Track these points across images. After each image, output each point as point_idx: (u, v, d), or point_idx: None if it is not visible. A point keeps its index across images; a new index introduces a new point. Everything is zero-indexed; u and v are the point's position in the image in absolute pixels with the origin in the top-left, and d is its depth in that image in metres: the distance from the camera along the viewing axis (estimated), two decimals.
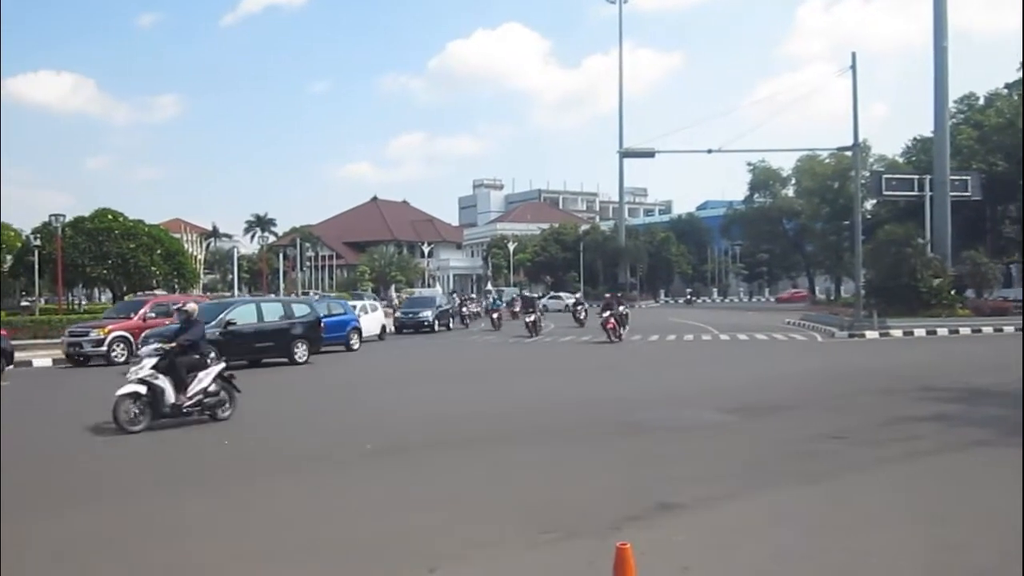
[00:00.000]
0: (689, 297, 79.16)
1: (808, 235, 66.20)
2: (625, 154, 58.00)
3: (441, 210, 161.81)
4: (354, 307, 31.61)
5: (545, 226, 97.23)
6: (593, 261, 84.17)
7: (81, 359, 22.94)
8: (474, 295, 68.48)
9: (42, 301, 44.94)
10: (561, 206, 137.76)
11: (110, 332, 22.89)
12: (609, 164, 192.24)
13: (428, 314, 36.68)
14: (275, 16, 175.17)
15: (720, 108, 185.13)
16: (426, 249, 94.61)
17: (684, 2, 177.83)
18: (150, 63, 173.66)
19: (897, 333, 28.71)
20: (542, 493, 7.57)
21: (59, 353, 23.71)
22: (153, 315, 24.03)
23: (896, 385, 15.02)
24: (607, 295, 32.77)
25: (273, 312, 22.59)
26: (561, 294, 66.30)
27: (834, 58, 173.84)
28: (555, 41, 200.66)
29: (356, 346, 27.15)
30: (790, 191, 67.58)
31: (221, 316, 20.77)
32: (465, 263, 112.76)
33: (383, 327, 33.10)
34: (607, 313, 27.44)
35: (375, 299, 42.12)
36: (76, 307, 45.14)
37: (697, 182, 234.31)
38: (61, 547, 6.17)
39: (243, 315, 21.58)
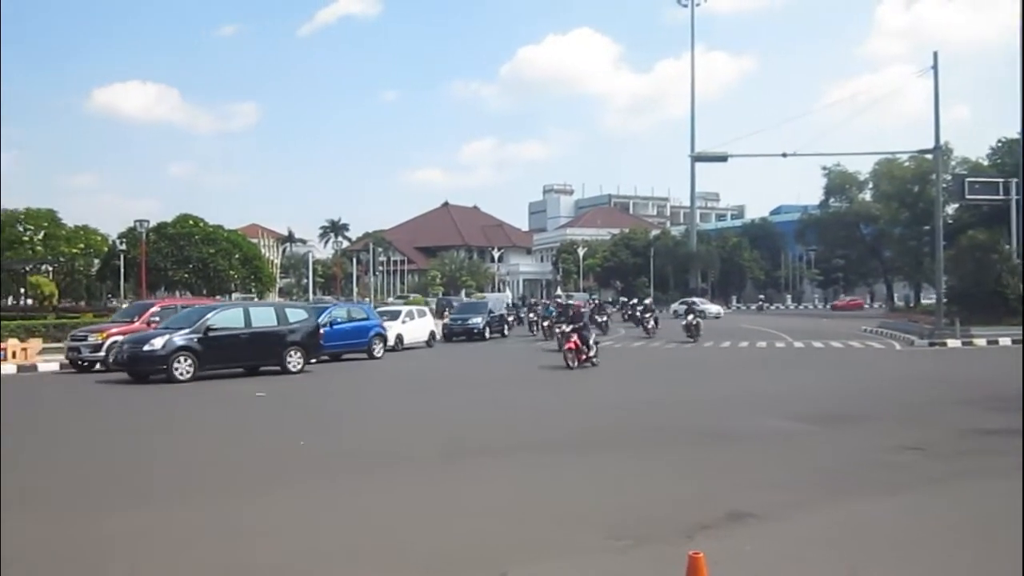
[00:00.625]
0: (761, 303, 77.88)
1: (886, 240, 64.48)
2: (697, 158, 57.41)
3: (511, 215, 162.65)
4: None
5: (615, 231, 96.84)
6: (664, 266, 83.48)
7: (83, 364, 21.78)
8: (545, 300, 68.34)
9: (126, 303, 46.49)
10: (631, 211, 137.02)
11: (108, 336, 21.55)
12: (680, 168, 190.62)
13: (478, 320, 34.44)
14: (349, 26, 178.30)
15: (795, 111, 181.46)
16: (496, 254, 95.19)
17: (759, 3, 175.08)
18: (230, 73, 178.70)
19: (981, 342, 27.74)
20: (611, 500, 7.55)
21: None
22: (158, 319, 22.25)
23: (977, 396, 14.58)
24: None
25: (263, 317, 21.04)
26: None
27: (914, 58, 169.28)
28: (626, 45, 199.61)
29: (379, 354, 25.62)
30: (867, 195, 65.88)
31: (200, 321, 19.36)
32: (535, 268, 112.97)
33: (431, 333, 31.75)
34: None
35: (448, 302, 42.01)
36: None
37: (771, 186, 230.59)
38: (121, 546, 6.39)
39: (227, 320, 20.08)
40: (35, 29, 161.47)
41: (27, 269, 43.12)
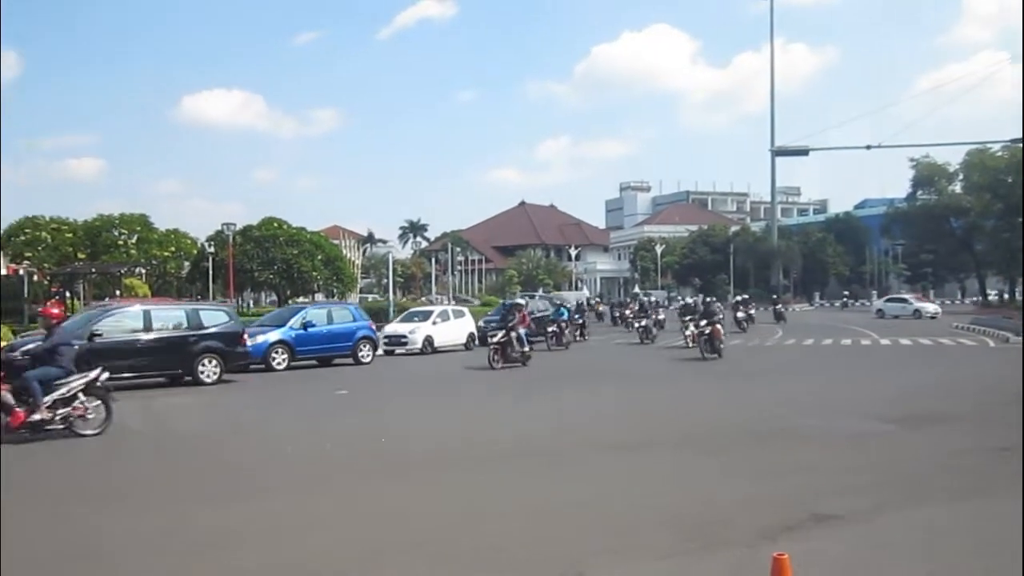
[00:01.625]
0: (845, 300, 75.89)
1: (978, 233, 62.11)
2: (777, 152, 56.60)
3: (588, 213, 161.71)
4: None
5: (693, 228, 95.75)
6: (744, 263, 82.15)
7: None
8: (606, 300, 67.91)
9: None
10: (710, 207, 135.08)
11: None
12: (760, 163, 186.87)
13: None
14: (427, 28, 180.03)
15: (879, 103, 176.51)
16: (573, 252, 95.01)
17: None
18: (312, 78, 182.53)
19: None
20: (690, 500, 7.55)
21: None
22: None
23: None
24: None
25: (167, 321, 18.70)
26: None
27: (1005, 44, 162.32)
28: (704, 41, 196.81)
29: (367, 359, 23.77)
30: (957, 187, 63.66)
31: (86, 326, 17.13)
32: (612, 266, 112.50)
33: (470, 336, 29.39)
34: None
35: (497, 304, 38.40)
36: (245, 310, 47.95)
37: (854, 180, 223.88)
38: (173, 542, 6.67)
39: (120, 324, 17.87)
40: (128, 41, 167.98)
41: (122, 272, 44.81)
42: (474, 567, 5.83)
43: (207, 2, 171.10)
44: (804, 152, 37.13)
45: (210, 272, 43.01)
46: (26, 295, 48.66)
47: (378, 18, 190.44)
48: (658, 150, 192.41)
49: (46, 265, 51.96)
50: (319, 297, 53.54)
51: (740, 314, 36.79)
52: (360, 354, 23.84)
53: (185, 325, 18.74)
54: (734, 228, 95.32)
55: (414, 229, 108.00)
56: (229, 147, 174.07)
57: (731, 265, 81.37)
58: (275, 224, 44.14)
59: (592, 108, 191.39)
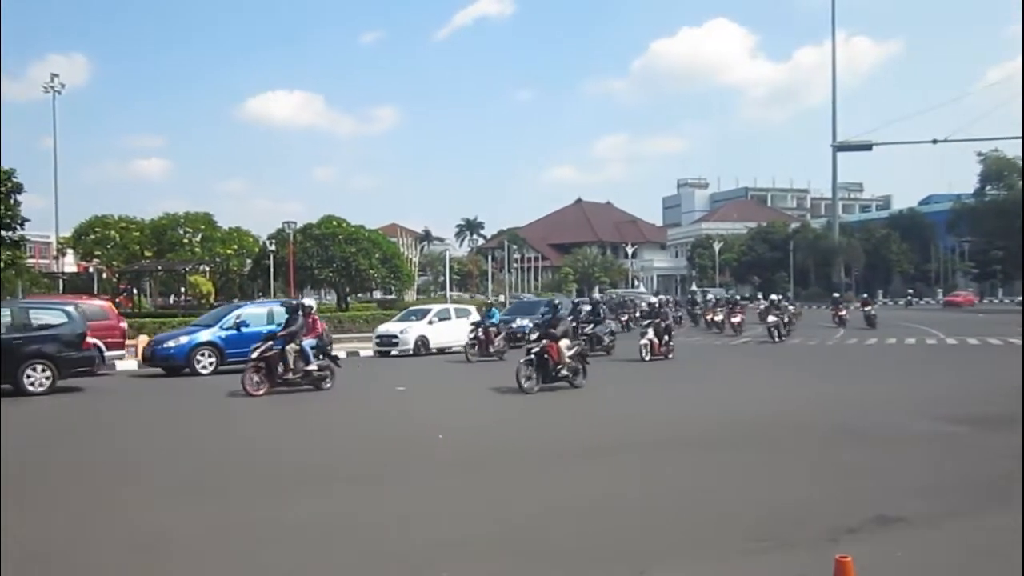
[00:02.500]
0: (909, 298, 74.15)
1: None
2: (839, 147, 55.47)
3: (645, 211, 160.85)
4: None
5: (752, 225, 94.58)
6: (804, 261, 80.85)
7: None
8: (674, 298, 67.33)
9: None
10: (769, 204, 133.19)
11: None
12: (821, 159, 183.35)
13: (526, 323, 25.80)
14: (484, 27, 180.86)
15: (945, 96, 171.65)
16: (630, 250, 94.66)
17: None
18: (371, 78, 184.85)
19: None
20: (752, 500, 7.47)
21: None
22: None
23: None
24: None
25: None
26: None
27: None
28: (763, 35, 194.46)
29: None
30: None
31: None
32: (669, 264, 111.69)
33: None
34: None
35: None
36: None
37: (919, 175, 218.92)
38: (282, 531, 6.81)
39: None
40: (195, 45, 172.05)
41: (187, 269, 45.88)
42: (538, 564, 5.84)
43: (271, 6, 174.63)
44: (867, 147, 36.07)
45: (271, 270, 43.72)
46: (95, 292, 50.15)
47: (437, 17, 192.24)
48: (716, 146, 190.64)
49: (114, 263, 53.39)
50: (376, 295, 54.18)
51: (771, 318, 29.89)
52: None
53: (10, 324, 16.37)
54: (794, 225, 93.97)
55: (471, 227, 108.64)
56: (290, 147, 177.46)
57: (791, 263, 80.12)
58: (334, 222, 44.67)
59: (649, 104, 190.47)
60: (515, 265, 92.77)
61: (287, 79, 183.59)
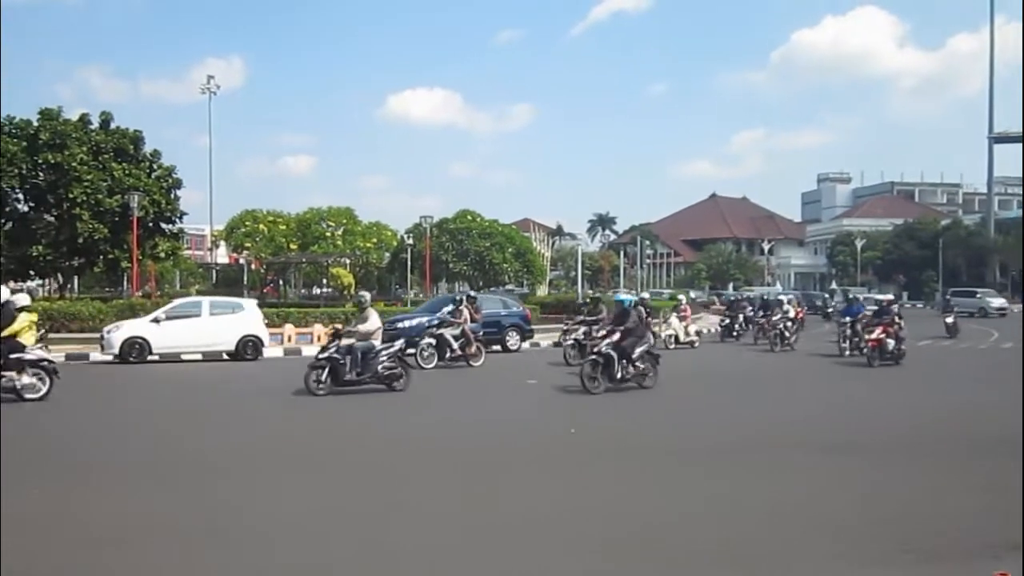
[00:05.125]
0: None
1: None
2: (996, 139, 52.48)
3: (782, 206, 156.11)
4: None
5: (898, 221, 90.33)
6: (955, 260, 76.71)
7: None
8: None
9: (412, 294, 50.34)
10: (917, 199, 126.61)
11: None
12: (975, 152, 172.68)
13: (416, 323, 23.41)
14: (620, 21, 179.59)
15: None
16: (766, 246, 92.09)
17: None
18: (508, 76, 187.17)
19: None
20: (902, 509, 7.26)
21: None
22: None
23: None
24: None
25: None
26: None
27: None
28: (914, 23, 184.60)
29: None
30: None
31: None
32: (807, 261, 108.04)
33: (248, 341, 21.86)
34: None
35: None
36: None
37: None
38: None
39: None
40: (339, 46, 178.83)
41: (329, 262, 47.89)
42: (689, 566, 5.86)
43: (412, 7, 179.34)
44: None
45: (408, 263, 45.06)
46: (244, 282, 52.91)
47: (574, 13, 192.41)
48: (860, 139, 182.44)
49: (262, 255, 56.21)
50: (508, 288, 54.90)
51: (784, 323, 26.06)
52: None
53: None
54: (944, 221, 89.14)
55: (603, 222, 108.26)
56: (428, 143, 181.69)
57: (940, 261, 76.25)
58: (469, 217, 45.68)
59: (789, 97, 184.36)
60: (647, 261, 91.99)
61: (427, 78, 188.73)
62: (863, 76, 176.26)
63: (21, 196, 32.44)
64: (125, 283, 43.60)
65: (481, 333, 21.49)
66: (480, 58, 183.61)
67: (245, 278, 56.22)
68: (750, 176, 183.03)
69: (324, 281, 50.31)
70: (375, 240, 57.54)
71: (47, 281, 34.20)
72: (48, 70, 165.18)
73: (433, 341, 20.00)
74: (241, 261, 63.67)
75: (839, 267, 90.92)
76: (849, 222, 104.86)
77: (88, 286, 50.96)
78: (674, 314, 27.74)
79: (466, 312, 20.70)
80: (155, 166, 34.33)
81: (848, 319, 23.33)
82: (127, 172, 32.30)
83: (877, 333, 20.26)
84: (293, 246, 55.77)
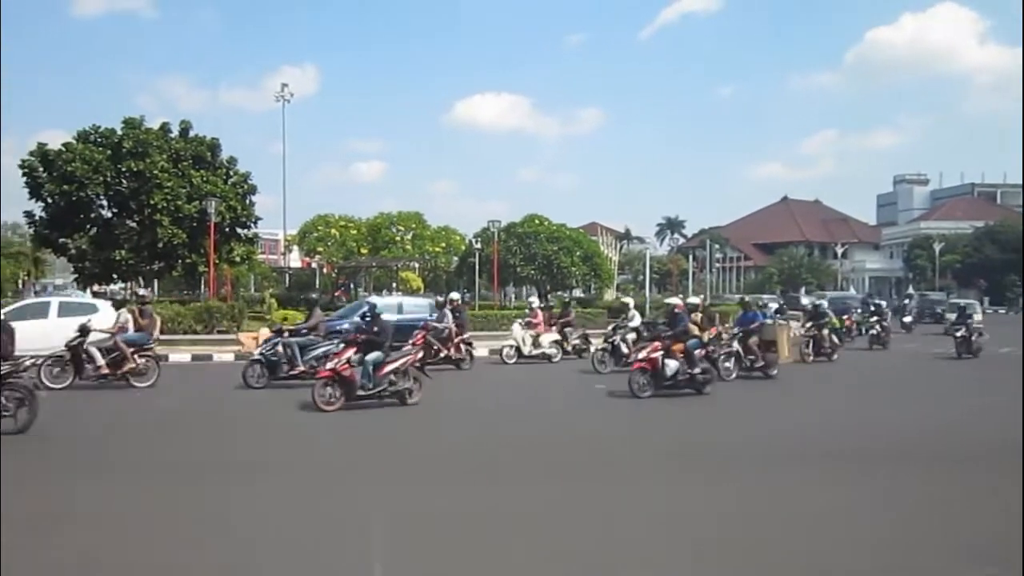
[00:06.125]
0: None
1: None
2: None
3: (857, 209, 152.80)
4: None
5: (979, 224, 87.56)
6: None
7: None
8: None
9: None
10: (999, 201, 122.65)
11: None
12: None
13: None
14: (690, 23, 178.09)
15: None
16: (839, 250, 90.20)
17: None
18: (576, 79, 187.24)
19: None
20: (979, 522, 7.13)
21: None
22: None
23: None
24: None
25: None
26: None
27: None
28: (996, 19, 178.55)
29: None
30: None
31: None
32: (883, 265, 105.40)
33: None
34: None
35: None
36: (507, 304, 50.11)
37: None
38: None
39: None
40: (408, 52, 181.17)
41: (398, 266, 48.55)
42: (772, 572, 5.87)
43: (478, 12, 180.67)
44: None
45: (476, 267, 45.34)
46: (316, 286, 53.93)
47: (642, 16, 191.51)
48: (938, 140, 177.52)
49: (334, 259, 57.24)
50: (575, 293, 54.89)
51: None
52: None
53: None
54: None
55: (671, 226, 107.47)
56: (496, 148, 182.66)
57: (1023, 266, 73.66)
58: (537, 221, 45.72)
59: (864, 97, 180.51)
60: (716, 265, 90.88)
61: (495, 82, 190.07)
62: (942, 74, 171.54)
63: (105, 203, 33.62)
64: (202, 287, 44.80)
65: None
66: (548, 62, 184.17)
67: (317, 282, 57.30)
68: (823, 178, 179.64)
69: (393, 285, 50.94)
70: (443, 244, 58.06)
71: (129, 284, 35.34)
72: (130, 82, 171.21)
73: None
74: (313, 265, 64.94)
75: (917, 271, 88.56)
76: (927, 225, 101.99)
77: (167, 289, 52.53)
78: (518, 321, 23.12)
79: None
80: (231, 173, 35.27)
81: (739, 330, 19.64)
82: (205, 179, 33.24)
83: (648, 352, 15.32)
84: (364, 250, 56.62)
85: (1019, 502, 7.10)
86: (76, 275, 36.29)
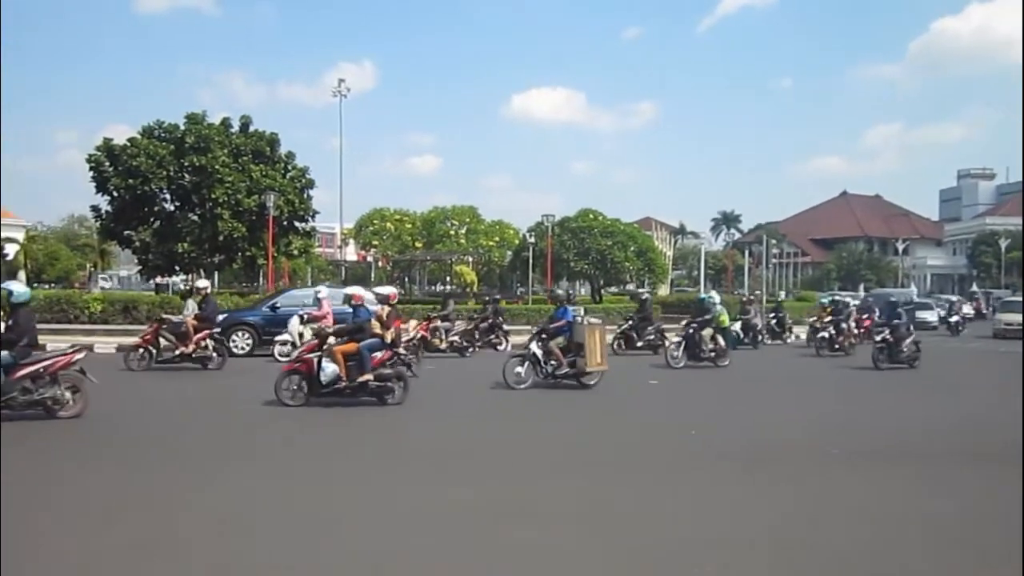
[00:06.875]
0: None
1: None
2: None
3: (919, 204, 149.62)
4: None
5: None
6: None
7: None
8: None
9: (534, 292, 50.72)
10: None
11: None
12: None
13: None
14: (749, 15, 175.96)
15: None
16: (900, 246, 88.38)
17: None
18: (632, 73, 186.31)
19: None
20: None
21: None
22: None
23: None
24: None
25: None
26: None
27: None
28: None
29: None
30: None
31: None
32: (945, 261, 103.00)
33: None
34: None
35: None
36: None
37: None
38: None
39: None
40: (464, 46, 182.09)
41: (452, 260, 48.89)
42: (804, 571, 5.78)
43: (534, 6, 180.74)
44: None
45: (530, 261, 45.40)
46: (371, 279, 54.57)
47: (701, 9, 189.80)
48: (1006, 133, 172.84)
49: (389, 252, 57.87)
50: (631, 287, 54.71)
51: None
52: None
53: None
54: None
55: (727, 220, 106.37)
56: (551, 142, 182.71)
57: None
58: (591, 215, 45.59)
59: (928, 89, 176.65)
60: (773, 261, 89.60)
61: (550, 77, 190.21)
62: (1009, 65, 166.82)
63: (168, 196, 34.46)
64: (261, 279, 45.65)
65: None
66: (604, 56, 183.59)
67: (372, 275, 58.00)
68: (884, 173, 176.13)
69: (448, 278, 51.40)
70: (497, 238, 58.27)
71: (190, 276, 36.22)
72: (192, 76, 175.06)
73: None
74: (369, 259, 65.76)
75: (981, 268, 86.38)
76: (992, 220, 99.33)
77: (227, 281, 53.63)
78: (297, 314, 20.20)
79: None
80: (289, 167, 35.88)
81: (538, 329, 16.38)
82: (264, 173, 33.87)
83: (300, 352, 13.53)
84: (418, 244, 57.17)
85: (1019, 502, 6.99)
86: (140, 267, 37.26)
